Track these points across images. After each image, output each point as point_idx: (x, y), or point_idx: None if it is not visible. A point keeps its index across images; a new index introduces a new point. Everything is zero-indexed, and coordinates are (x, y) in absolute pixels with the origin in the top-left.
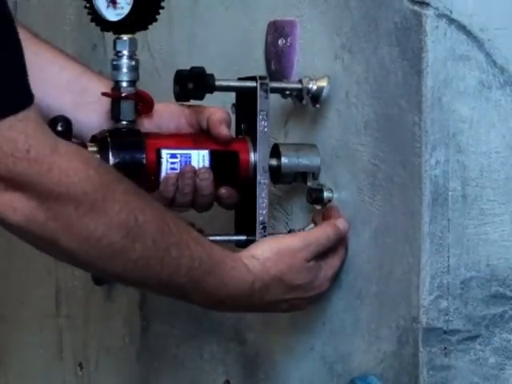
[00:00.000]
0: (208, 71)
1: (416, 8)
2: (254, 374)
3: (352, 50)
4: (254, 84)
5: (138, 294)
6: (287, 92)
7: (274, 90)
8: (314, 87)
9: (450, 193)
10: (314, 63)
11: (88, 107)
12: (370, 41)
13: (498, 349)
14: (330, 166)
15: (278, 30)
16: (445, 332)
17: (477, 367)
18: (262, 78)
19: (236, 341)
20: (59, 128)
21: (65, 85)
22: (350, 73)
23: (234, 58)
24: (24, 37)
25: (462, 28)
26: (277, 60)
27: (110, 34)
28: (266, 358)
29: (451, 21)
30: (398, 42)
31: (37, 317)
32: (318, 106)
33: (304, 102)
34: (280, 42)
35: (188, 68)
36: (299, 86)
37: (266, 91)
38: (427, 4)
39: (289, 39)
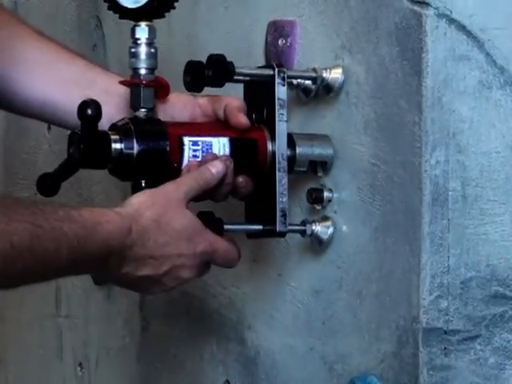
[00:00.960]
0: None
1: (416, 8)
2: (254, 373)
3: (352, 50)
4: (272, 72)
5: (139, 294)
6: (298, 81)
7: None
8: (329, 75)
9: (450, 193)
10: (313, 63)
11: (97, 99)
12: (370, 41)
13: (497, 349)
14: (330, 165)
15: (277, 30)
16: (445, 332)
17: (477, 367)
18: (279, 65)
19: (236, 341)
20: (89, 112)
21: (72, 79)
22: (350, 73)
23: (233, 58)
24: (28, 34)
25: (462, 28)
26: (277, 60)
27: (110, 33)
28: (266, 358)
29: (451, 21)
30: (398, 41)
31: (37, 317)
32: (331, 94)
33: (312, 94)
34: (280, 41)
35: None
36: (313, 74)
37: (283, 79)
38: (427, 4)
39: (289, 39)
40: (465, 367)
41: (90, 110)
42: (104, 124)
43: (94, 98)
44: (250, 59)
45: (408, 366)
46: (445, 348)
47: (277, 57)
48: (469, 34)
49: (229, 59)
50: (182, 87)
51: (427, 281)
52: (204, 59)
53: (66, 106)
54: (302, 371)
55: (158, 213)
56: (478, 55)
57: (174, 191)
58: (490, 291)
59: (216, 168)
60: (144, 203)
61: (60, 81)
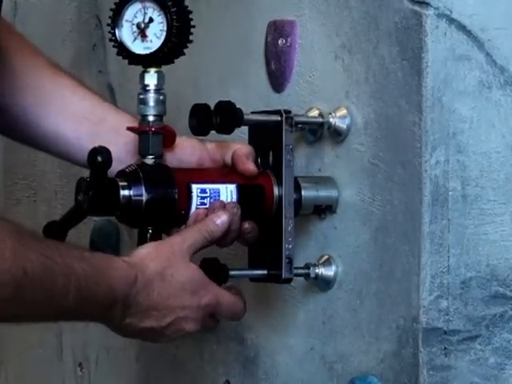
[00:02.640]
0: (207, 71)
1: (416, 8)
2: (254, 374)
3: (352, 50)
4: (279, 118)
5: None
6: (305, 126)
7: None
8: (335, 120)
9: (450, 193)
10: (313, 63)
11: (105, 137)
12: (370, 41)
13: (498, 349)
14: (330, 165)
15: (277, 30)
16: (445, 332)
17: (477, 367)
18: (286, 112)
19: (236, 341)
20: (99, 159)
21: (83, 115)
22: (349, 73)
23: (233, 58)
24: (43, 65)
25: (462, 28)
26: (277, 60)
27: (110, 35)
28: (266, 358)
29: (451, 21)
30: (398, 41)
31: None
32: (340, 138)
33: (318, 135)
34: (280, 41)
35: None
36: (320, 119)
37: (290, 125)
38: (427, 4)
39: (289, 39)
40: (465, 367)
41: (100, 157)
42: (112, 164)
43: (103, 135)
44: (249, 59)
45: (408, 366)
46: (445, 348)
47: (277, 57)
48: (469, 33)
49: (228, 59)
50: (177, 82)
51: (427, 281)
52: (204, 59)
53: (76, 141)
54: (301, 371)
55: (162, 265)
56: (478, 55)
57: (179, 244)
58: (490, 291)
59: (221, 219)
60: (149, 254)
61: (71, 115)
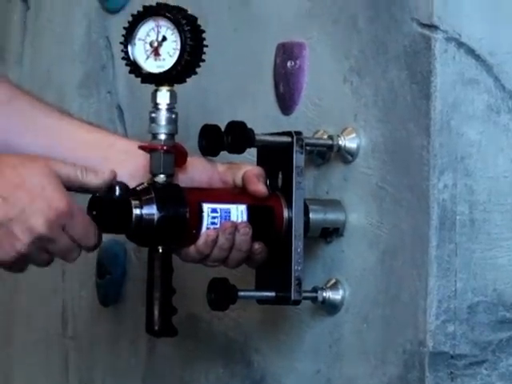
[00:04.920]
0: (216, 91)
1: (425, 31)
2: None
3: (361, 73)
4: (290, 139)
5: (144, 315)
6: (314, 148)
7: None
8: (345, 142)
9: (457, 217)
10: (322, 86)
11: (115, 160)
12: (379, 64)
13: (504, 374)
14: (338, 188)
15: (286, 52)
16: (451, 356)
17: None
18: (297, 133)
19: (242, 363)
20: (117, 193)
21: (92, 143)
22: (358, 96)
23: (242, 80)
24: (49, 110)
25: (471, 52)
26: (285, 82)
27: (119, 54)
28: (272, 381)
29: (460, 44)
30: (406, 65)
31: (43, 337)
32: (351, 159)
33: (326, 157)
34: (289, 64)
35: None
36: (330, 142)
37: (301, 147)
38: (436, 27)
39: (298, 61)
40: None
41: (117, 191)
42: (124, 181)
43: (114, 158)
44: (258, 81)
45: None
46: (451, 372)
47: (285, 79)
48: (478, 57)
49: (237, 80)
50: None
51: (434, 305)
52: (212, 80)
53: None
54: None
55: (21, 160)
56: (487, 79)
57: (50, 160)
58: (496, 316)
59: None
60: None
61: (80, 144)
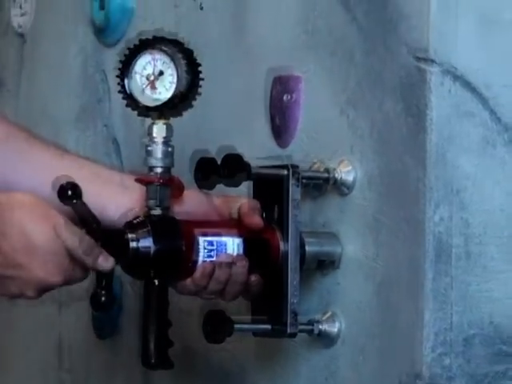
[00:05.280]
0: (211, 124)
1: (421, 64)
2: None
3: (357, 106)
4: (286, 172)
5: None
6: (310, 181)
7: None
8: (340, 176)
9: (453, 249)
10: (318, 119)
11: (111, 193)
12: (375, 96)
13: None
14: (334, 220)
15: (282, 85)
16: None
17: None
18: (293, 166)
19: None
20: (69, 193)
21: (89, 179)
22: (354, 128)
23: (238, 112)
24: (52, 150)
25: (467, 85)
26: (281, 115)
27: (115, 87)
28: None
29: (456, 77)
30: (402, 98)
31: (39, 370)
32: (347, 192)
33: (322, 190)
34: (285, 97)
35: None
36: (326, 174)
37: (297, 180)
38: (432, 61)
39: (293, 95)
40: None
41: (69, 191)
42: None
43: (111, 191)
44: (253, 113)
45: None
46: None
47: (281, 112)
48: (473, 90)
49: (232, 113)
50: (181, 134)
51: (430, 337)
52: (207, 112)
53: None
54: None
55: (27, 217)
56: (483, 112)
57: (58, 215)
58: (492, 349)
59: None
60: (23, 201)
61: (77, 181)
